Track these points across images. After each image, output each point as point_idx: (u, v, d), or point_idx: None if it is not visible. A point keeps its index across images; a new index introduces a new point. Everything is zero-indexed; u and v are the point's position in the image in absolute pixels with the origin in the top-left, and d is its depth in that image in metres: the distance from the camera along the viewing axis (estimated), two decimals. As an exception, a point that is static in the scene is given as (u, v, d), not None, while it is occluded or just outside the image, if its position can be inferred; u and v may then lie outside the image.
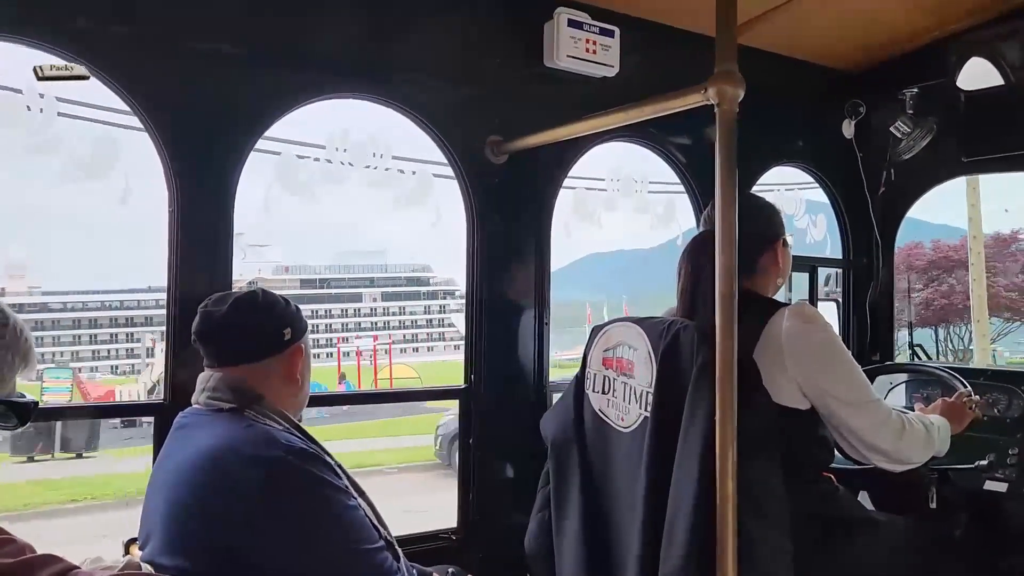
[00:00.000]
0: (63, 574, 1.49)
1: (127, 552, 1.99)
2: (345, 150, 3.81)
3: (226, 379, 1.84)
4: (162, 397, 2.38)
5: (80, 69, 2.18)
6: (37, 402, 1.37)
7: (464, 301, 3.04)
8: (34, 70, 2.17)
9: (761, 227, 2.31)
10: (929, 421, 2.29)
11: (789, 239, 2.44)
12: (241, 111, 2.47)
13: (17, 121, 2.54)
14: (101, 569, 1.60)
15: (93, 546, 2.19)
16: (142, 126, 2.36)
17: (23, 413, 1.34)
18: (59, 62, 2.18)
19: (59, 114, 2.56)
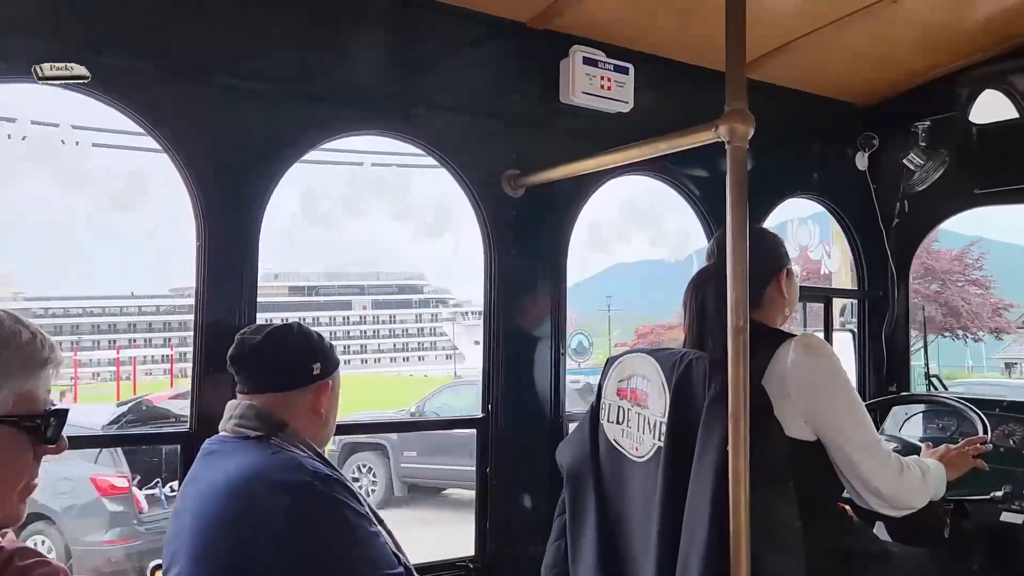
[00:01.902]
0: None
1: (152, 577, 2.04)
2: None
3: (255, 407, 1.90)
4: (188, 426, 2.43)
5: (80, 69, 2.15)
6: (57, 415, 1.26)
7: (481, 320, 3.09)
8: (33, 70, 2.12)
9: (765, 258, 2.32)
10: (926, 466, 2.29)
11: (795, 268, 2.47)
12: (267, 148, 2.55)
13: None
14: None
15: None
16: (171, 162, 2.44)
17: (36, 429, 1.24)
18: (59, 62, 2.15)
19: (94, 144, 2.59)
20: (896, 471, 2.17)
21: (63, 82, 2.16)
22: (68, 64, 2.15)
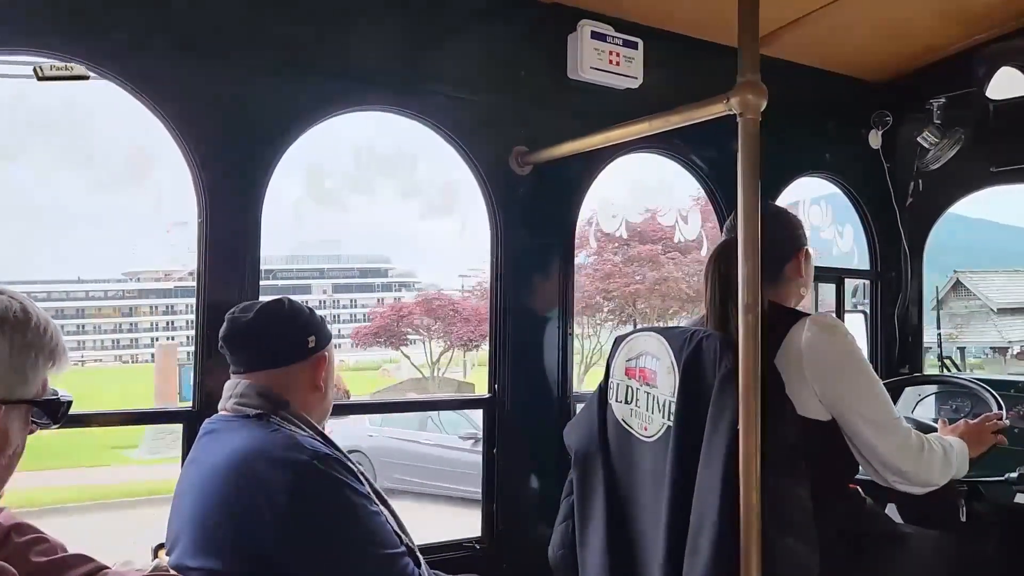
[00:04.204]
0: (94, 574, 1.52)
1: (155, 556, 2.03)
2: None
3: (254, 386, 1.88)
4: (191, 404, 2.41)
5: (80, 69, 2.16)
6: (71, 401, 1.35)
7: (489, 310, 3.05)
8: (34, 70, 2.14)
9: (785, 235, 2.30)
10: (948, 443, 2.25)
11: (811, 250, 2.43)
12: (270, 123, 2.51)
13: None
14: (132, 571, 1.63)
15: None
16: (172, 138, 2.41)
17: (54, 412, 1.33)
18: (59, 62, 2.16)
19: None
20: (917, 449, 2.13)
21: (64, 82, 2.16)
22: (68, 64, 2.16)
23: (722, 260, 2.18)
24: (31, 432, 1.32)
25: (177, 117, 2.37)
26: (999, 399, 2.69)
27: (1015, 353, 23.60)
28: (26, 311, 1.28)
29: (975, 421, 2.47)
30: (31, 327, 1.27)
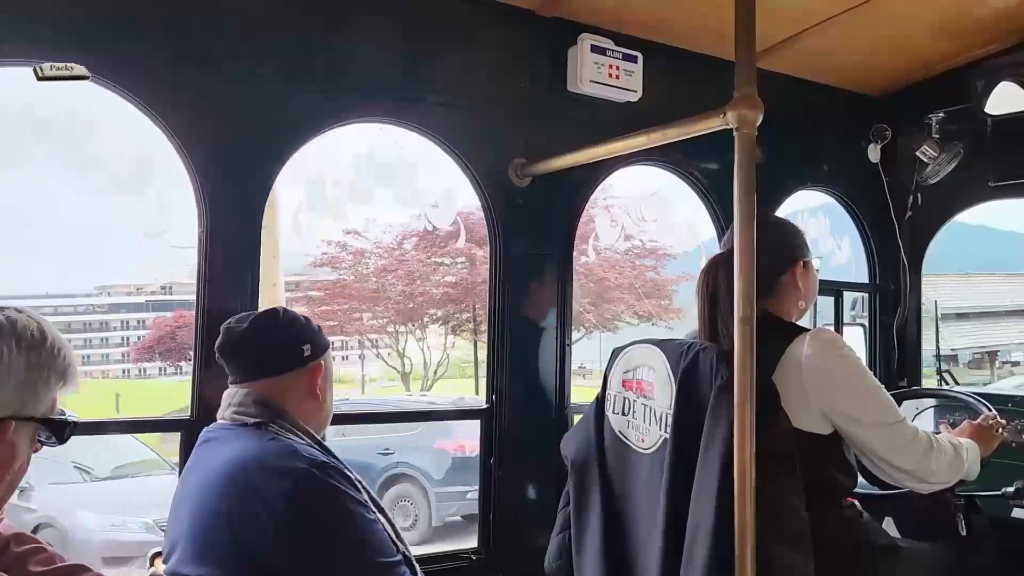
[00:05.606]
0: None
1: (152, 564, 2.03)
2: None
3: (251, 394, 1.89)
4: (190, 413, 2.42)
5: (80, 69, 2.16)
6: (77, 422, 1.36)
7: (488, 321, 3.06)
8: (34, 70, 2.14)
9: (780, 246, 2.27)
10: (958, 442, 2.25)
11: (815, 262, 2.42)
12: (270, 135, 2.53)
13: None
14: None
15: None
16: (174, 148, 2.43)
17: (60, 431, 1.33)
18: (59, 62, 2.16)
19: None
20: (925, 447, 2.13)
21: (64, 82, 2.15)
22: (68, 64, 2.15)
23: (711, 274, 2.20)
24: (36, 450, 1.33)
25: (179, 128, 2.39)
26: (991, 408, 2.70)
27: (967, 362, 23.11)
28: (42, 331, 1.30)
29: (977, 422, 2.48)
30: (46, 347, 1.29)
